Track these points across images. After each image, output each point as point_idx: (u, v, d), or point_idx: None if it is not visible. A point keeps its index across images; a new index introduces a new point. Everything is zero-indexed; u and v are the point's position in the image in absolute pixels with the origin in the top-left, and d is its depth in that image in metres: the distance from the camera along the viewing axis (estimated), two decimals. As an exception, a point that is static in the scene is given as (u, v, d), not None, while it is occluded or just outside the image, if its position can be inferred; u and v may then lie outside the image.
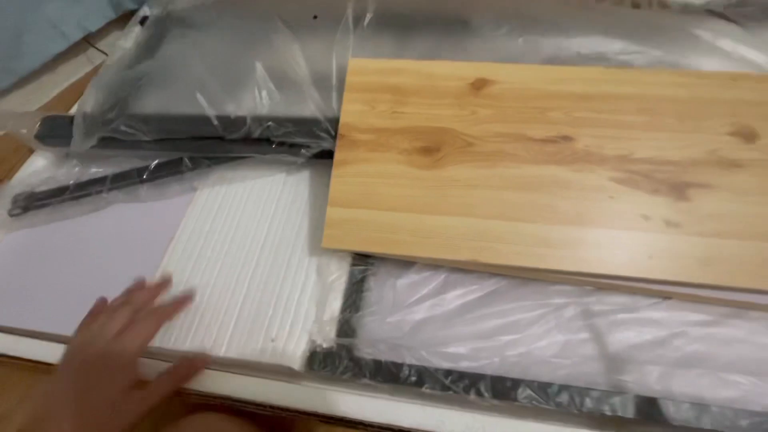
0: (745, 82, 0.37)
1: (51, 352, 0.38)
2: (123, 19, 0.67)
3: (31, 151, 0.51)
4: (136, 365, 0.31)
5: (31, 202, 0.46)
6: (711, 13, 0.44)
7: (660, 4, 0.48)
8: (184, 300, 0.36)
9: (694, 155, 0.35)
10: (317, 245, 0.37)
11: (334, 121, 0.40)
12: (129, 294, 0.36)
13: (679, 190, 0.34)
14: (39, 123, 0.48)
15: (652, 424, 0.29)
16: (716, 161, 0.35)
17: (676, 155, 0.35)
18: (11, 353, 0.39)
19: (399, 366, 0.32)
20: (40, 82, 0.67)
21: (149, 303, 0.35)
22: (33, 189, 0.46)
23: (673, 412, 0.29)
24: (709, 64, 0.40)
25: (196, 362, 0.34)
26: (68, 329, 0.37)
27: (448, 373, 0.32)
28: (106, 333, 0.31)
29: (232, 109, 0.43)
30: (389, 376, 0.32)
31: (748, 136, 0.35)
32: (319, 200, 0.41)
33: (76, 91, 0.67)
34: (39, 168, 0.50)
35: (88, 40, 0.70)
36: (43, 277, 0.43)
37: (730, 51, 0.40)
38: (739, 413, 0.29)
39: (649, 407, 0.29)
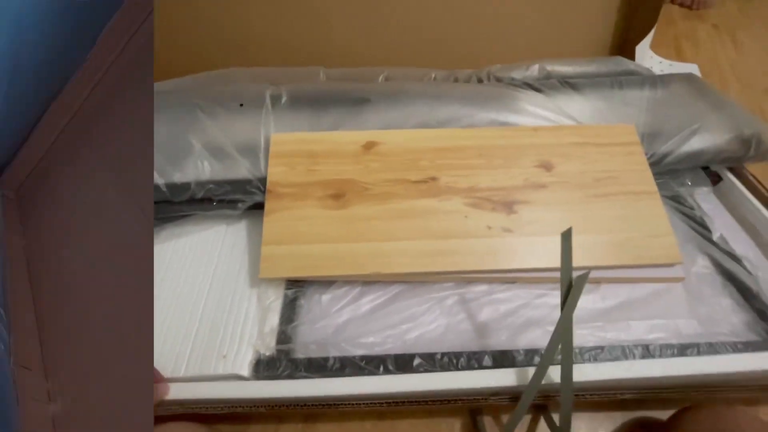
0: (543, 132, 0.55)
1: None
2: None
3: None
4: None
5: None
6: (527, 85, 0.64)
7: (496, 79, 0.68)
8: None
9: (516, 182, 0.52)
10: (256, 276, 0.47)
11: (263, 180, 0.52)
12: None
13: (509, 206, 0.50)
14: None
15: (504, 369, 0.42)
16: (530, 185, 0.51)
17: (504, 183, 0.51)
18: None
19: (326, 359, 0.43)
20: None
21: None
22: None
23: (515, 358, 0.42)
24: (523, 120, 0.58)
25: (160, 388, 0.40)
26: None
27: (363, 357, 0.43)
28: None
29: (178, 177, 0.54)
30: (319, 368, 0.42)
31: (548, 166, 0.53)
32: (255, 242, 0.52)
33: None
34: None
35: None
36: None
37: (536, 111, 0.59)
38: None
39: (501, 357, 0.42)
